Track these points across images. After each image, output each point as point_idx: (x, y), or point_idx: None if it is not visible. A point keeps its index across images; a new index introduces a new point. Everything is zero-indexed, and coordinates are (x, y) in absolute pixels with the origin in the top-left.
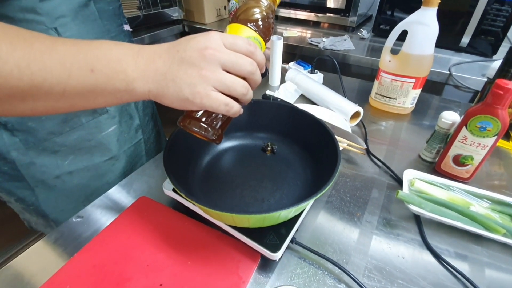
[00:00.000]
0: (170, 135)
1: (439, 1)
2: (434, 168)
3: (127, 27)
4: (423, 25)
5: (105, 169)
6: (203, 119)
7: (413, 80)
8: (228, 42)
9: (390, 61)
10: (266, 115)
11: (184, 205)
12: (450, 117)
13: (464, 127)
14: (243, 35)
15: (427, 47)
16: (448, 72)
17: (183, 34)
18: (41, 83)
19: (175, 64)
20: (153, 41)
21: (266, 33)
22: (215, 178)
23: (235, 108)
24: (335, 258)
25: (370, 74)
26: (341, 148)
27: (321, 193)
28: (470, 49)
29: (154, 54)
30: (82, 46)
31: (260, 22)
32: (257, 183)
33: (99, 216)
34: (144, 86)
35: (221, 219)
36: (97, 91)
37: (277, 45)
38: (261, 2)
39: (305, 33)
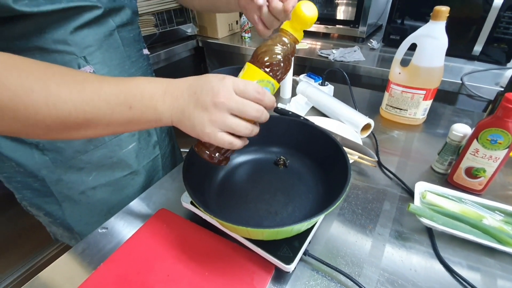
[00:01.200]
0: (188, 152)
1: (448, 15)
2: (446, 180)
3: (145, 51)
4: (432, 38)
5: (125, 184)
6: (211, 149)
7: (424, 92)
8: (239, 89)
9: (400, 73)
10: (278, 129)
11: (200, 217)
12: (461, 129)
13: (475, 140)
14: (256, 79)
15: (437, 59)
16: (461, 82)
17: (197, 49)
18: (91, 118)
19: (192, 105)
20: (169, 56)
21: (282, 74)
22: (230, 191)
23: (238, 145)
24: (348, 271)
25: (380, 84)
26: (352, 161)
27: (332, 207)
28: (483, 57)
29: (177, 91)
30: (123, 86)
31: (275, 67)
32: (270, 197)
33: (122, 227)
34: (168, 118)
35: (236, 232)
36: (133, 122)
37: None
38: (282, 43)
39: (315, 45)
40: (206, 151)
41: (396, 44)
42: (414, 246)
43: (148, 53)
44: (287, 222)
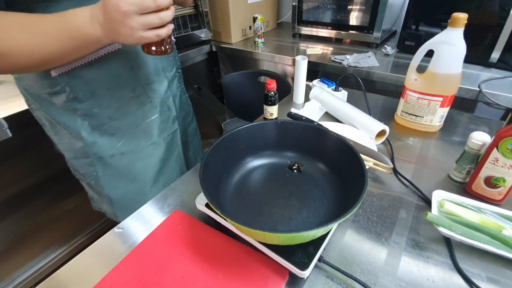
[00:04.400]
0: (204, 157)
1: (466, 22)
2: (464, 189)
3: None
4: (450, 45)
5: (148, 153)
6: (153, 47)
7: (441, 99)
8: None
9: (416, 79)
10: (293, 134)
11: (214, 220)
12: (480, 137)
13: (495, 148)
14: None
15: (455, 66)
16: (478, 89)
17: (210, 53)
18: (51, 54)
19: (113, 25)
20: (183, 60)
21: None
22: (245, 195)
23: (164, 33)
24: (363, 279)
25: (395, 90)
26: (367, 167)
27: (350, 214)
28: (501, 64)
29: (100, 18)
30: (62, 23)
31: None
32: (284, 201)
33: (137, 227)
34: (106, 39)
35: (252, 235)
36: (82, 47)
37: (302, 65)
38: None
39: (327, 50)
40: (152, 48)
41: (411, 50)
42: (431, 256)
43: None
44: (302, 227)
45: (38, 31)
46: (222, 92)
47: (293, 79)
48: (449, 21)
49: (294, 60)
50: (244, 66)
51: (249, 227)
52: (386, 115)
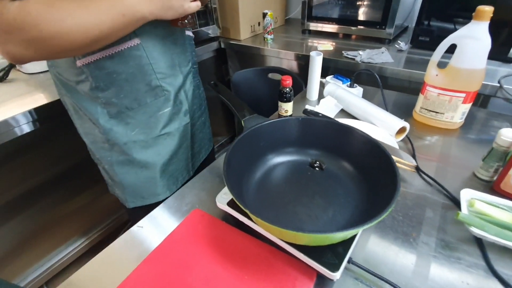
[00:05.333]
0: (227, 154)
1: (491, 15)
2: (492, 187)
3: (188, 32)
4: (474, 39)
5: (159, 143)
6: (184, 20)
7: (463, 95)
8: None
9: (437, 75)
10: (315, 132)
11: (235, 219)
12: (510, 134)
13: None
14: None
15: (479, 61)
16: (498, 85)
17: (218, 50)
18: (105, 31)
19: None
20: None
21: None
22: (267, 193)
23: (197, 4)
24: (393, 280)
25: (407, 86)
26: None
27: (385, 214)
28: None
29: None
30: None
31: None
32: (308, 200)
33: (157, 226)
34: (150, 15)
35: (281, 235)
36: (129, 25)
37: (316, 61)
38: None
39: (339, 46)
40: (184, 21)
41: (425, 46)
42: (463, 257)
43: (192, 35)
44: (330, 227)
45: (94, 9)
46: (231, 89)
47: (301, 76)
48: (473, 14)
49: (302, 56)
50: (253, 63)
51: (279, 226)
52: (403, 111)
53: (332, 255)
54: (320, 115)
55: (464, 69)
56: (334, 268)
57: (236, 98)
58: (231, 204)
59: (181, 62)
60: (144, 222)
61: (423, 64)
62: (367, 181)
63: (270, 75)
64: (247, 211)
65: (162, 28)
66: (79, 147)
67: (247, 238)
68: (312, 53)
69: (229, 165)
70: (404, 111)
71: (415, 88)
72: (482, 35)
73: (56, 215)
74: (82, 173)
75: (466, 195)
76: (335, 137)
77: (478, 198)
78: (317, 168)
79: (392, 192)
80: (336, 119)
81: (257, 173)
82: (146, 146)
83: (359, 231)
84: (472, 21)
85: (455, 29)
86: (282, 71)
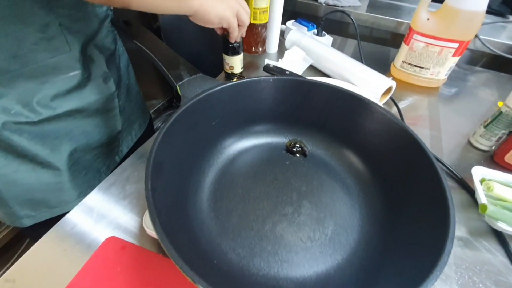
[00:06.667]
0: (150, 151)
1: None
2: (492, 158)
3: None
4: None
5: (63, 123)
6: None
7: (456, 45)
8: None
9: (428, 19)
10: (288, 98)
11: None
12: None
13: None
14: None
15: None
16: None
17: None
18: None
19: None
20: None
21: None
22: (229, 207)
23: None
24: None
25: (383, 37)
26: None
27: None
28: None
29: None
30: None
31: None
32: (294, 210)
33: (35, 278)
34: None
35: None
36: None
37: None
38: None
39: None
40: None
41: None
42: (486, 258)
43: None
44: (332, 256)
45: None
46: (160, 39)
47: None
48: None
49: None
50: None
51: None
52: (378, 66)
53: None
54: (288, 73)
55: (464, 10)
56: None
57: (167, 49)
58: None
59: None
60: (11, 274)
61: (395, 10)
62: (383, 183)
63: None
64: (192, 280)
65: None
66: None
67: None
68: None
69: (158, 169)
70: (379, 66)
71: (388, 39)
72: None
73: None
74: None
75: (477, 175)
76: (316, 104)
77: (492, 178)
78: (297, 154)
79: (439, 228)
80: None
81: (210, 172)
82: (41, 129)
83: None
84: None
85: None
86: None
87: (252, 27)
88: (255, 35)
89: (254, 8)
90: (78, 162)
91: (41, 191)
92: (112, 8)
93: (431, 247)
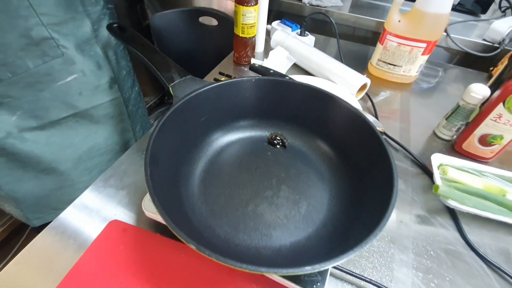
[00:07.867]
0: (148, 143)
1: None
2: (452, 147)
3: None
4: None
5: (65, 131)
6: None
7: (424, 45)
8: None
9: (399, 21)
10: (271, 96)
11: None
12: (481, 91)
13: (501, 104)
14: None
15: (446, 3)
16: (445, 33)
17: None
18: None
19: None
20: None
21: None
22: (218, 191)
23: None
24: (377, 276)
25: (363, 36)
26: None
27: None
28: (458, 7)
29: None
30: None
31: None
32: (273, 193)
33: (43, 258)
34: None
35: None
36: None
37: (262, 0)
38: None
39: None
40: None
41: None
42: (439, 232)
43: None
44: (304, 230)
45: None
46: (151, 38)
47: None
48: None
49: None
50: (177, 2)
51: (241, 267)
52: (356, 64)
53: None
54: (272, 71)
55: (431, 13)
56: (316, 285)
57: (158, 53)
58: None
59: None
60: (23, 256)
61: (376, 10)
62: (349, 166)
63: (201, 19)
64: (191, 245)
65: None
66: None
67: (196, 257)
68: None
69: (154, 160)
70: (358, 63)
71: (369, 38)
72: None
73: None
74: None
75: (436, 161)
76: (295, 101)
77: (448, 163)
78: (278, 146)
79: (386, 196)
80: (290, 76)
81: (200, 162)
82: (43, 138)
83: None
84: None
85: None
86: (217, 14)
87: (241, 40)
88: (245, 46)
89: (242, 24)
90: (83, 165)
91: (44, 196)
92: (108, 7)
93: (380, 213)
